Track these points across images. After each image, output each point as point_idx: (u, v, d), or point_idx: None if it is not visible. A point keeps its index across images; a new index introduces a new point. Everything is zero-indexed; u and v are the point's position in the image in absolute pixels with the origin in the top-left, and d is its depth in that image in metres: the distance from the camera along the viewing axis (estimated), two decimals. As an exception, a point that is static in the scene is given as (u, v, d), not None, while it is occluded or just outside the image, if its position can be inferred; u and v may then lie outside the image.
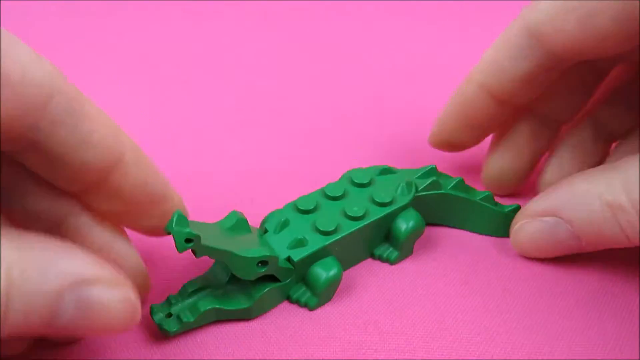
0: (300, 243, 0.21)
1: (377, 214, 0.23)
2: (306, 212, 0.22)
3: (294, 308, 0.22)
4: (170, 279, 0.23)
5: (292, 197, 0.23)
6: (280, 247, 0.21)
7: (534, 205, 0.23)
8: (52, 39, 0.39)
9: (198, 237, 0.18)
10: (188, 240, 0.18)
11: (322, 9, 0.42)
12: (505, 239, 0.24)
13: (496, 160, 0.26)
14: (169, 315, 0.20)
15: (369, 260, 0.24)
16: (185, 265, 0.23)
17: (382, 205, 0.23)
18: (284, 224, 0.22)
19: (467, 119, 0.25)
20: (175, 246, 0.18)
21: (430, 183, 0.24)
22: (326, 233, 0.22)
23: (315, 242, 0.21)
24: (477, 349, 0.20)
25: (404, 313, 0.22)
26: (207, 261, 0.21)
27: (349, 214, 0.22)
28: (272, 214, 0.23)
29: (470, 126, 0.25)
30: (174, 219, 0.18)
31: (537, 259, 0.23)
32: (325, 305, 0.22)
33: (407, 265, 0.23)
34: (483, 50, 0.24)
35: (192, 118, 0.32)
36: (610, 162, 0.23)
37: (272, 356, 0.20)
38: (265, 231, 0.22)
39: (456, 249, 0.24)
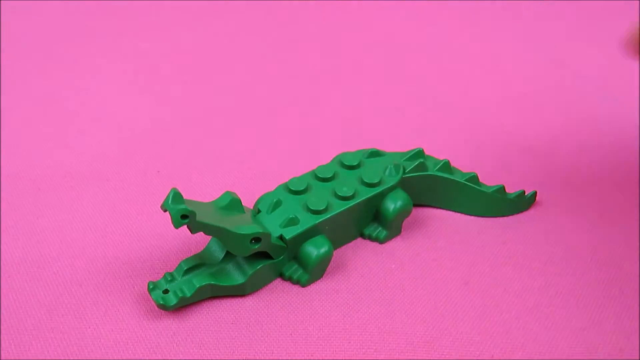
0: (292, 222, 0.22)
1: (366, 194, 0.23)
2: (298, 192, 0.23)
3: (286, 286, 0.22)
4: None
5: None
6: (273, 226, 0.22)
7: None
8: (52, 38, 0.39)
9: (193, 213, 0.19)
10: (184, 217, 0.19)
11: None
12: (505, 231, 0.24)
13: None
14: (166, 291, 0.21)
15: (360, 240, 0.24)
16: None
17: (371, 185, 0.24)
18: (277, 204, 0.23)
19: None
20: (172, 222, 0.19)
21: (417, 165, 0.24)
22: (317, 212, 0.22)
23: (307, 221, 0.22)
24: (477, 349, 0.20)
25: (404, 312, 0.22)
26: (201, 239, 0.22)
27: (339, 194, 0.23)
28: (264, 196, 0.24)
29: None
30: (170, 197, 0.19)
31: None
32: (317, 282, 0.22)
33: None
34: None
35: (189, 114, 0.32)
36: None
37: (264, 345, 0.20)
38: (259, 211, 0.23)
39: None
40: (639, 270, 0.23)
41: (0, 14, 0.42)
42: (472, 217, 0.25)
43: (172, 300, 0.21)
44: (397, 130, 0.30)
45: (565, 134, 0.31)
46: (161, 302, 0.20)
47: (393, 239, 0.24)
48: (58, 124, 0.31)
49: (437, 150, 0.27)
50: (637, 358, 0.20)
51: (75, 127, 0.31)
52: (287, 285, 0.22)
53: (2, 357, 0.20)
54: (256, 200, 0.23)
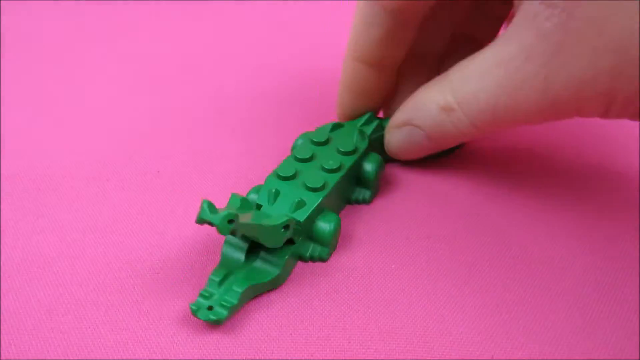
0: (300, 204, 0.23)
1: (350, 161, 0.25)
2: (290, 177, 0.24)
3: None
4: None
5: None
6: (282, 214, 0.23)
7: (393, 120, 0.27)
8: (52, 37, 0.39)
9: (237, 215, 0.19)
10: (230, 222, 0.19)
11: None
12: (505, 230, 0.24)
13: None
14: (210, 307, 0.21)
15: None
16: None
17: (350, 154, 0.25)
18: (276, 194, 0.23)
19: (356, 92, 0.27)
20: (218, 230, 0.19)
21: (376, 126, 0.27)
22: (318, 189, 0.24)
23: (312, 200, 0.23)
24: (477, 349, 0.20)
25: (403, 312, 0.22)
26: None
27: (328, 167, 0.24)
28: (254, 190, 0.24)
29: (361, 98, 0.28)
30: (205, 208, 0.19)
31: (413, 162, 0.28)
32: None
33: (397, 244, 0.23)
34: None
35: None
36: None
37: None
38: (259, 206, 0.23)
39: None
40: (639, 270, 0.23)
41: (0, 13, 0.42)
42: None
43: (223, 313, 0.20)
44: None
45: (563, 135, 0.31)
46: (214, 319, 0.20)
47: (393, 240, 0.24)
48: (58, 124, 0.31)
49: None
50: (637, 358, 0.20)
51: (75, 127, 0.31)
52: (287, 285, 0.22)
53: (2, 357, 0.20)
54: (245, 196, 0.24)
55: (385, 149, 0.28)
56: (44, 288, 0.22)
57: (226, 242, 0.22)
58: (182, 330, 0.21)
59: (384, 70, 0.27)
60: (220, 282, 0.21)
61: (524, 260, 0.24)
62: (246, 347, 0.20)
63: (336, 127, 0.27)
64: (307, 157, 0.25)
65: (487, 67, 0.23)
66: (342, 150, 0.25)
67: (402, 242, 0.24)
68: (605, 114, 0.22)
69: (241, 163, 0.28)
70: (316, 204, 0.23)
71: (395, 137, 0.27)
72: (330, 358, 0.20)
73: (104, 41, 0.39)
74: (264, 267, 0.22)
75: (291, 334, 0.21)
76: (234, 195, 0.22)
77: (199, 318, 0.20)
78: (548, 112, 0.22)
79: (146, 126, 0.31)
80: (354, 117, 0.28)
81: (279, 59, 0.37)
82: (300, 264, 0.23)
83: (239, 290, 0.21)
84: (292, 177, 0.24)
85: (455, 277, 0.23)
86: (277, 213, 0.23)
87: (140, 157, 0.29)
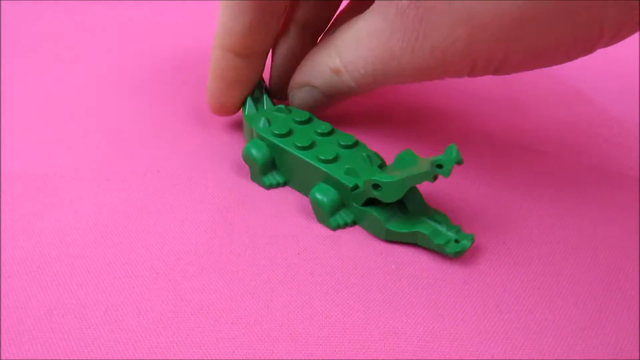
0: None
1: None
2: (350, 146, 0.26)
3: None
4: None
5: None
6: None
7: (294, 80, 0.29)
8: (52, 37, 0.39)
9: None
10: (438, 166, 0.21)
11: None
12: (505, 230, 0.24)
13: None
14: (457, 241, 0.23)
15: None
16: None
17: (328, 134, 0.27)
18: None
19: (226, 80, 0.28)
20: (447, 174, 0.21)
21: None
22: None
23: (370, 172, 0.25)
24: (477, 349, 0.20)
25: (403, 312, 0.22)
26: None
27: (346, 143, 0.26)
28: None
29: (231, 87, 0.28)
30: (453, 151, 0.21)
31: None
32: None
33: (397, 244, 0.23)
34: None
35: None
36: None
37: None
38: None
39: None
40: (639, 270, 0.23)
41: (0, 13, 0.42)
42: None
43: (467, 244, 0.23)
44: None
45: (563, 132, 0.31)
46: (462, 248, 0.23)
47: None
48: (58, 123, 0.31)
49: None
50: (637, 358, 0.20)
51: (75, 127, 0.31)
52: (287, 285, 0.22)
53: (2, 357, 0.20)
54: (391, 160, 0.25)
55: (290, 105, 0.29)
56: (44, 288, 0.22)
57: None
58: (181, 330, 0.21)
59: (254, 57, 0.28)
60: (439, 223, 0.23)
61: (524, 260, 0.24)
62: (246, 347, 0.20)
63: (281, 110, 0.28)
64: (307, 144, 0.26)
65: (362, 36, 0.25)
66: (318, 131, 0.27)
67: (403, 242, 0.24)
68: (471, 73, 0.24)
69: (241, 162, 0.28)
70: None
71: (298, 96, 0.29)
72: (330, 358, 0.20)
73: (103, 40, 0.39)
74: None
75: (291, 334, 0.21)
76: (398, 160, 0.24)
77: (450, 251, 0.23)
78: (420, 75, 0.25)
79: (146, 126, 0.31)
80: (228, 106, 0.29)
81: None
82: (298, 263, 0.23)
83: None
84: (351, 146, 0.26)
85: (455, 277, 0.23)
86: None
87: (140, 156, 0.29)
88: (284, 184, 0.27)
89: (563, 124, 0.31)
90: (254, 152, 0.26)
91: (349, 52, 0.26)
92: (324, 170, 0.25)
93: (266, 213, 0.26)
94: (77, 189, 0.27)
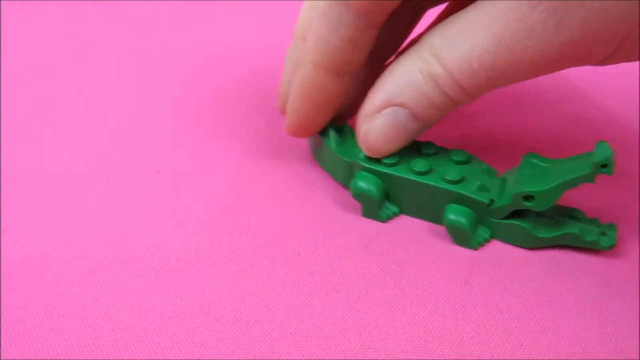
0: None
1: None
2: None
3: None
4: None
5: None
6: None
7: (369, 105, 0.24)
8: (52, 37, 0.39)
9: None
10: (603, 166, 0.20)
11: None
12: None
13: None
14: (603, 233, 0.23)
15: None
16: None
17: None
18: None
19: (315, 100, 0.25)
20: (607, 172, 0.20)
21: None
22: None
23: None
24: (477, 349, 0.20)
25: (403, 312, 0.22)
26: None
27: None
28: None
29: (319, 106, 0.25)
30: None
31: (383, 147, 0.24)
32: None
33: (397, 244, 0.23)
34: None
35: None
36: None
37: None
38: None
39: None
40: (639, 270, 0.23)
41: (0, 13, 0.42)
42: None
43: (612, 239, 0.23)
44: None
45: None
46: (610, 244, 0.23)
47: (395, 238, 0.24)
48: (58, 123, 0.31)
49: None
50: (637, 358, 0.20)
51: (75, 127, 0.31)
52: (286, 284, 0.22)
53: (2, 357, 0.20)
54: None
55: (362, 146, 0.24)
56: (44, 288, 0.22)
57: None
58: (181, 330, 0.21)
59: (345, 77, 0.25)
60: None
61: (524, 259, 0.24)
62: (246, 347, 0.20)
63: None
64: (426, 170, 0.24)
65: (481, 24, 0.21)
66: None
67: (403, 242, 0.24)
68: (611, 57, 0.21)
69: (242, 163, 0.28)
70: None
71: (376, 125, 0.24)
72: (330, 358, 0.20)
73: (103, 40, 0.39)
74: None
75: (291, 334, 0.21)
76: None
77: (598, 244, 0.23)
78: (552, 63, 0.21)
79: (146, 126, 0.31)
80: (308, 129, 0.26)
81: (277, 58, 0.37)
82: (298, 263, 0.23)
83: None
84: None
85: (455, 277, 0.23)
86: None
87: (140, 156, 0.29)
88: (400, 213, 0.26)
89: (563, 123, 0.31)
90: (368, 187, 0.24)
91: (453, 48, 0.21)
92: (457, 191, 0.23)
93: (266, 211, 0.26)
94: (77, 189, 0.27)
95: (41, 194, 0.26)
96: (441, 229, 0.25)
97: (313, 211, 0.26)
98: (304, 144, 0.30)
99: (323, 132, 0.27)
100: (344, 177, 0.26)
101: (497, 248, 0.24)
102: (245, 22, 0.41)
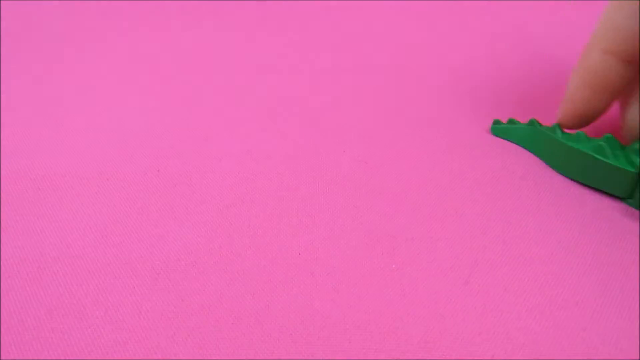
0: None
1: None
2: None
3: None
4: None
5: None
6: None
7: None
8: (52, 37, 0.39)
9: None
10: None
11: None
12: (505, 230, 0.24)
13: (635, 112, 0.27)
14: None
15: None
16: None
17: None
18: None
19: (598, 86, 0.26)
20: None
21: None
22: None
23: None
24: (477, 349, 0.20)
25: (404, 313, 0.22)
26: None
27: None
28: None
29: (601, 93, 0.26)
30: None
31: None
32: None
33: (397, 244, 0.23)
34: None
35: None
36: None
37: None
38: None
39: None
40: (639, 270, 0.23)
41: (0, 13, 0.42)
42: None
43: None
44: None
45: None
46: None
47: (394, 238, 0.24)
48: (58, 123, 0.31)
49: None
50: (637, 358, 0.20)
51: (75, 127, 0.31)
52: (286, 284, 0.22)
53: (2, 357, 0.20)
54: None
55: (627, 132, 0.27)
56: (44, 288, 0.22)
57: None
58: (182, 330, 0.21)
59: (629, 65, 0.25)
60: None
61: (524, 259, 0.24)
62: (246, 347, 0.20)
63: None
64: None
65: None
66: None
67: (403, 242, 0.24)
68: None
69: (241, 162, 0.28)
70: None
71: None
72: (330, 358, 0.20)
73: (103, 40, 0.39)
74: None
75: (291, 334, 0.21)
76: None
77: None
78: None
79: (146, 125, 0.31)
80: (592, 115, 0.27)
81: (282, 58, 0.37)
82: (298, 263, 0.23)
83: None
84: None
85: (455, 277, 0.23)
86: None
87: (140, 156, 0.29)
88: None
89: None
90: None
91: None
92: None
93: (266, 211, 0.26)
94: (77, 188, 0.27)
95: (41, 194, 0.26)
96: (441, 227, 0.25)
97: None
98: (303, 140, 0.30)
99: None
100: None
101: (497, 248, 0.24)
102: (246, 22, 0.41)
